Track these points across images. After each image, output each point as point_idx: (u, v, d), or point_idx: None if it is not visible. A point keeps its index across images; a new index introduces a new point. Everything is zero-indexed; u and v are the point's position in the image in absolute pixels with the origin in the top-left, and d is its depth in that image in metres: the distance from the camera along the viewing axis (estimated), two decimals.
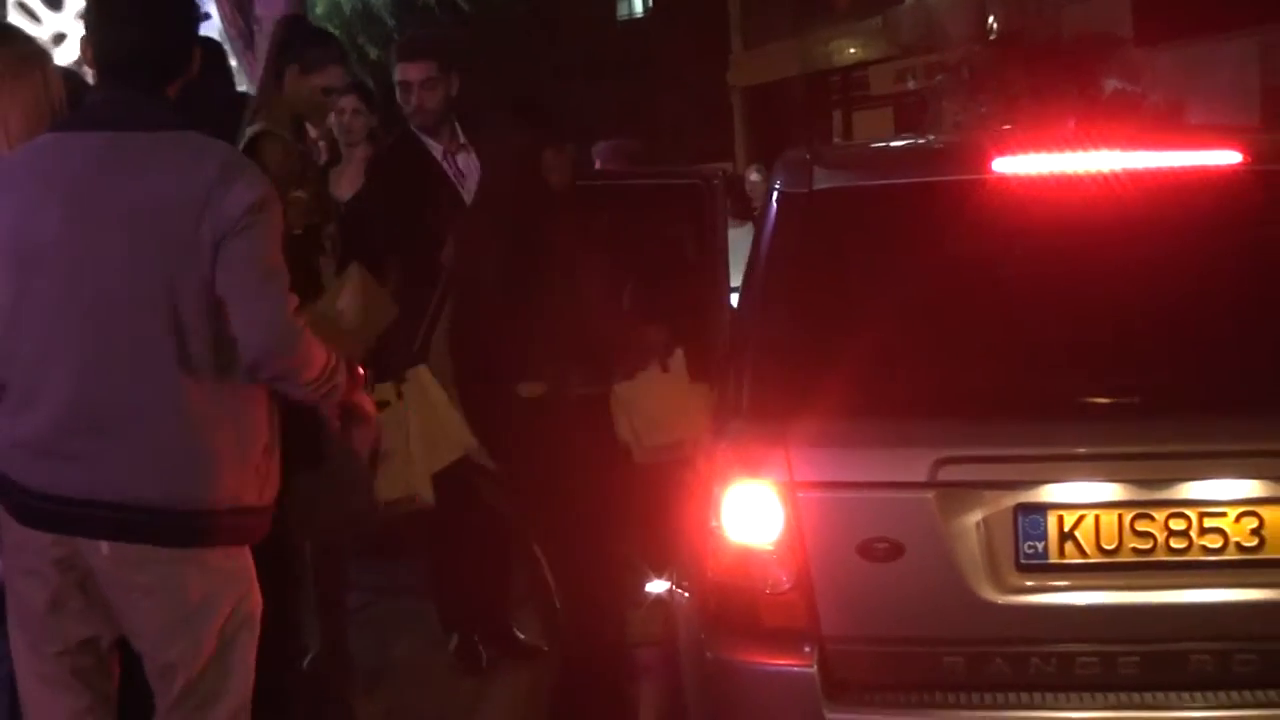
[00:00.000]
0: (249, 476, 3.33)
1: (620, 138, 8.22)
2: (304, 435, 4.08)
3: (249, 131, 4.83)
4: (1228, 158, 3.99)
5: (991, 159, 4.04)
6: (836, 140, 25.86)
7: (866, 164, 4.46)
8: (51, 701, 3.37)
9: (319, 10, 16.31)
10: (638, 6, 46.69)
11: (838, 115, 30.16)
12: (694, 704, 3.97)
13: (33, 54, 3.82)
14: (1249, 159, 3.98)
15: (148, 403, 3.22)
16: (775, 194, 4.24)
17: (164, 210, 3.21)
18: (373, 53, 17.34)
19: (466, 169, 5.84)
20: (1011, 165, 4.03)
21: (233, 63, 10.43)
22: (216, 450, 3.26)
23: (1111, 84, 22.50)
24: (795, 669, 3.67)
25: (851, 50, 30.33)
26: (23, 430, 3.29)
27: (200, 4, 11.98)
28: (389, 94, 6.27)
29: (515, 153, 5.11)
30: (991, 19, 25.68)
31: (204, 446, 3.25)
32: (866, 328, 3.84)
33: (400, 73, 5.85)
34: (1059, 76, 21.80)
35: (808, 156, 4.31)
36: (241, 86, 9.51)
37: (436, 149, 5.84)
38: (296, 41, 5.17)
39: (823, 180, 4.16)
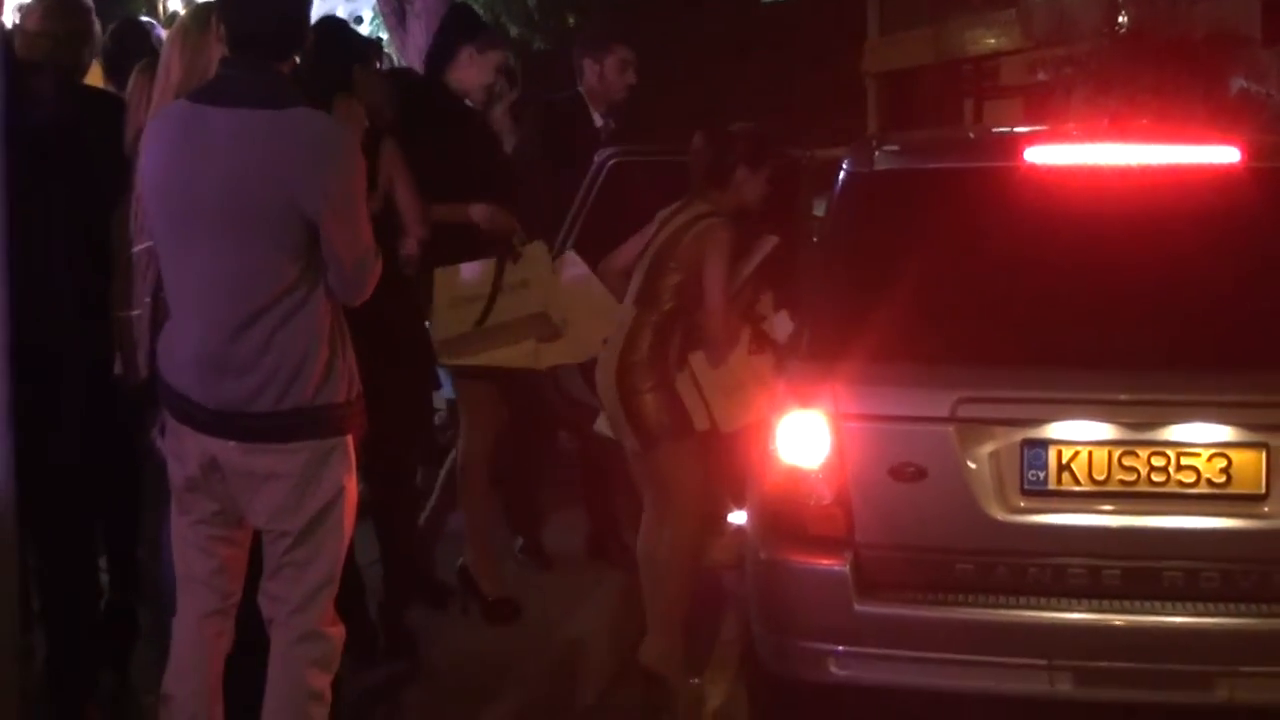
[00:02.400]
0: (332, 378, 3.94)
1: (753, 121, 8.87)
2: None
3: None
4: (1226, 155, 4.64)
5: (1024, 149, 4.73)
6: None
7: (921, 150, 5.15)
8: (191, 559, 4.09)
9: None
10: None
11: (969, 104, 30.54)
12: (752, 599, 4.71)
13: (206, 13, 4.48)
14: (1246, 157, 4.63)
15: (258, 337, 3.85)
16: (843, 173, 4.95)
17: (257, 181, 3.79)
18: (513, 30, 18.08)
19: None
20: (1041, 155, 4.71)
21: (384, 35, 11.30)
22: (306, 360, 3.88)
23: (1238, 83, 22.69)
24: (833, 568, 4.40)
25: (984, 40, 30.63)
26: (168, 340, 4.02)
27: None
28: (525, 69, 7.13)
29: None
30: (1122, 14, 25.90)
31: (297, 358, 3.87)
32: (908, 287, 4.53)
33: (624, 52, 6.84)
34: (1185, 74, 22.05)
35: (874, 142, 5.02)
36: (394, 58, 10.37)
37: (598, 120, 6.73)
38: (470, 25, 5.97)
39: (883, 162, 4.87)
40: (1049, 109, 26.32)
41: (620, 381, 5.27)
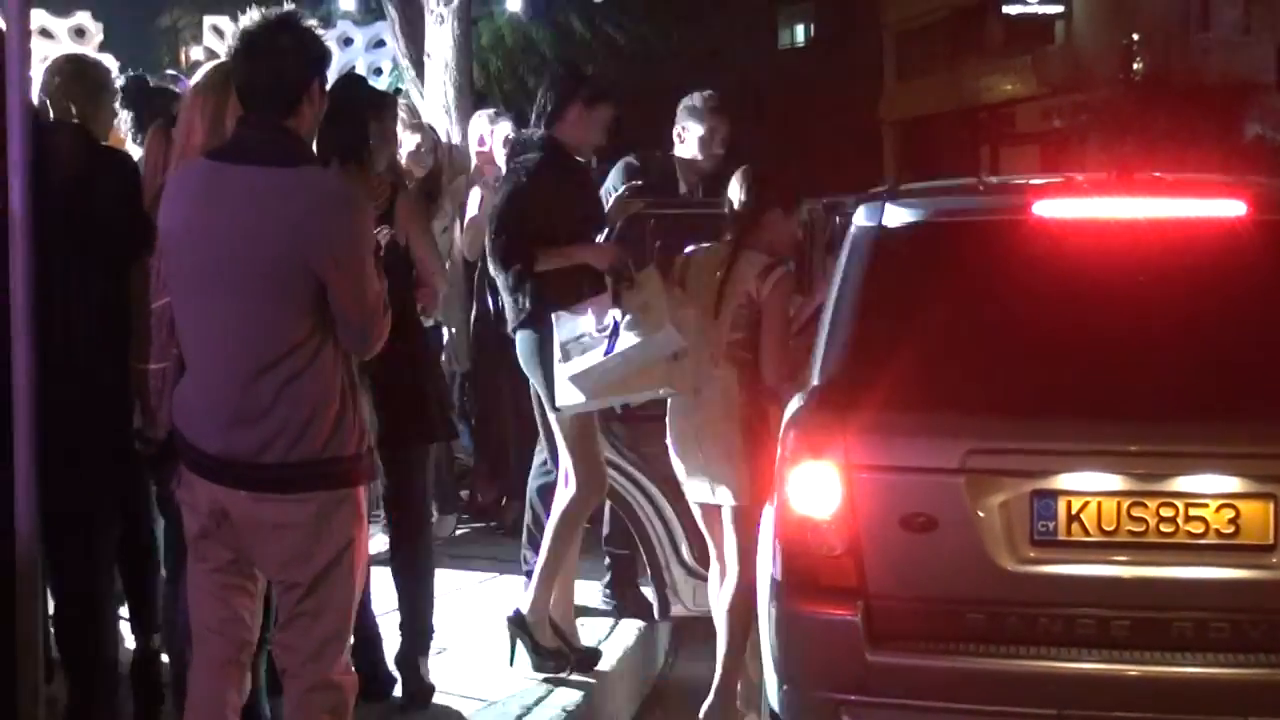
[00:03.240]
0: (342, 431, 4.01)
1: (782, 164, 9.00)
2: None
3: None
4: (1232, 208, 4.69)
5: (1032, 202, 4.79)
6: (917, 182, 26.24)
7: (931, 204, 5.22)
8: (206, 607, 4.16)
9: (484, 41, 17.27)
10: (799, 36, 47.37)
11: (985, 151, 30.71)
12: (769, 650, 4.75)
13: (225, 74, 4.58)
14: (1253, 209, 4.68)
15: (269, 389, 3.93)
16: (854, 226, 5.02)
17: (265, 238, 3.89)
18: (531, 81, 18.29)
19: None
20: (1049, 208, 4.77)
21: (404, 85, 11.46)
22: (316, 413, 3.96)
23: (1253, 128, 22.86)
24: (844, 618, 4.43)
25: (1002, 87, 30.82)
26: (183, 392, 4.11)
27: (379, 33, 12.93)
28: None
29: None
30: (1137, 61, 26.13)
31: (307, 411, 3.95)
32: (917, 339, 4.59)
33: (712, 120, 7.18)
34: (1200, 120, 22.23)
35: (884, 195, 5.09)
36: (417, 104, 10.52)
37: (683, 188, 7.04)
38: (578, 83, 6.13)
39: (893, 216, 4.93)
40: (1065, 155, 26.54)
41: (745, 435, 5.58)
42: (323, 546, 4.05)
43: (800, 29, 45.78)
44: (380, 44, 13.17)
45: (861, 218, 5.01)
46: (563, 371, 5.69)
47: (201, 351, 4.05)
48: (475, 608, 6.93)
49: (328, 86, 4.20)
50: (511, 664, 6.04)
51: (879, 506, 4.47)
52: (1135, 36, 24.60)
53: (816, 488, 4.52)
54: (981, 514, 4.39)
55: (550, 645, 6.05)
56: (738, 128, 7.46)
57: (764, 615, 4.80)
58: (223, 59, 4.64)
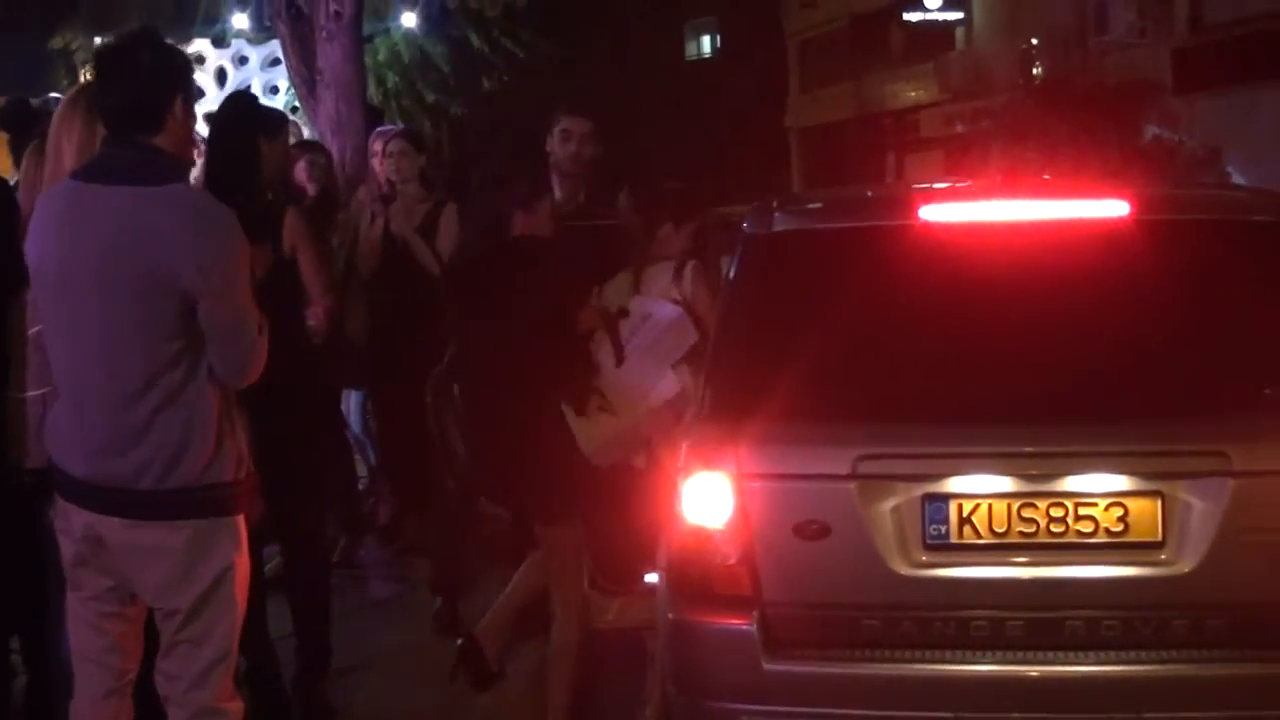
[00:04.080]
0: (220, 458, 3.96)
1: (665, 177, 8.92)
2: None
3: None
4: (1116, 208, 4.72)
5: (918, 207, 4.80)
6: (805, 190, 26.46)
7: (818, 211, 5.22)
8: (84, 637, 4.10)
9: (380, 57, 17.16)
10: (706, 48, 47.50)
11: (890, 157, 30.95)
12: (663, 660, 4.73)
13: (80, 96, 4.48)
14: (1135, 209, 4.71)
15: (140, 415, 3.87)
16: (743, 234, 5.01)
17: (135, 255, 3.81)
18: (429, 97, 18.19)
19: None
20: (934, 213, 4.78)
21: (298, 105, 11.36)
22: (191, 441, 3.91)
23: (1151, 131, 23.14)
24: (739, 627, 4.41)
25: (906, 94, 31.06)
26: (58, 425, 4.05)
27: (274, 51, 12.81)
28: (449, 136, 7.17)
29: (488, 216, 5.53)
30: (1036, 66, 26.40)
31: (180, 436, 3.90)
32: (808, 347, 4.58)
33: (566, 122, 6.91)
34: (1100, 123, 22.47)
35: (773, 203, 5.08)
36: (304, 129, 10.41)
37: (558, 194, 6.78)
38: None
39: (780, 224, 4.92)
40: (968, 160, 26.77)
41: None
42: (200, 571, 3.99)
43: (706, 40, 45.95)
44: (276, 62, 13.06)
45: (750, 226, 5.00)
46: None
47: (73, 377, 3.98)
48: (379, 628, 6.87)
49: (218, 104, 4.16)
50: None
51: (772, 515, 4.45)
52: (1034, 41, 24.87)
53: (709, 498, 4.50)
54: (873, 519, 4.38)
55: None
56: (648, 141, 7.41)
57: (660, 626, 4.77)
58: (86, 80, 4.58)
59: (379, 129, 8.91)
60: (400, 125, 8.93)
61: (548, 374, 5.37)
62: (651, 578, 5.59)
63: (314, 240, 5.74)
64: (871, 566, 4.38)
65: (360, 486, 8.65)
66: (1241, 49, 21.87)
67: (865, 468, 4.39)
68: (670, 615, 4.59)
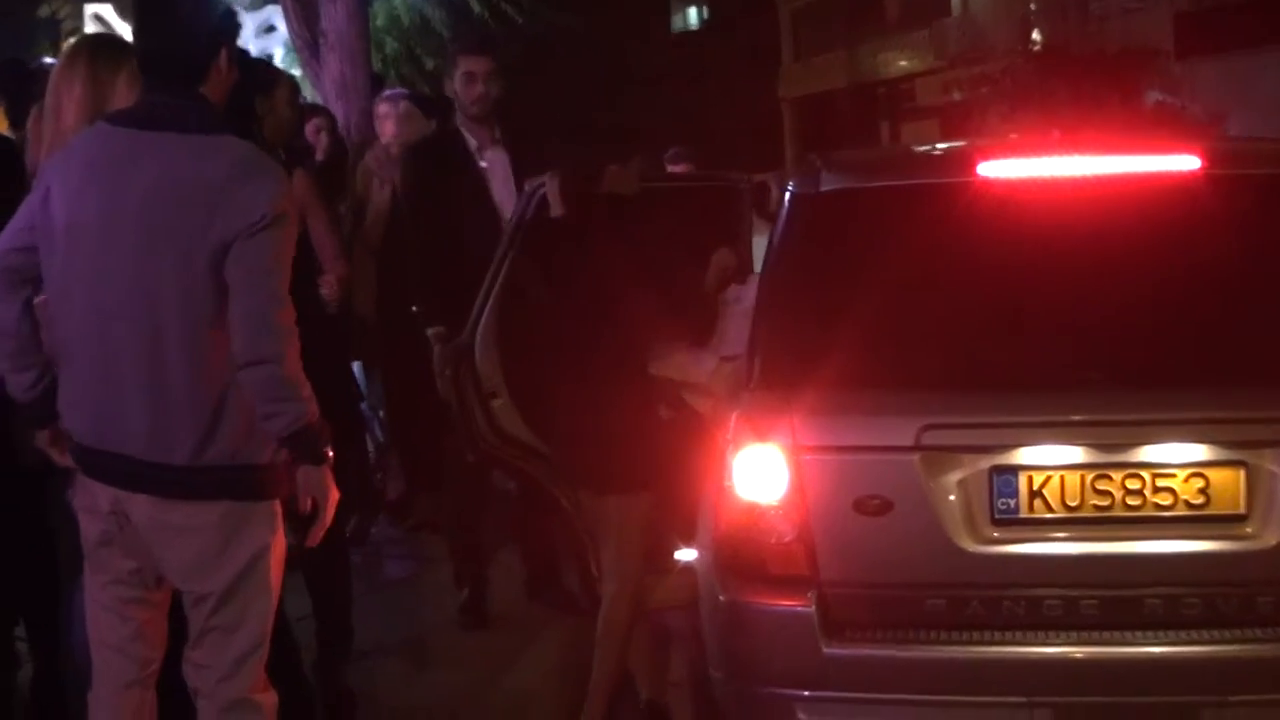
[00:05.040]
0: (255, 438, 3.69)
1: (681, 145, 8.64)
2: None
3: None
4: (1186, 163, 4.47)
5: (977, 163, 4.54)
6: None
7: (868, 168, 4.96)
8: (105, 623, 3.84)
9: (379, 22, 16.86)
10: (692, 19, 47.09)
11: (885, 126, 30.59)
12: (711, 645, 4.47)
13: (91, 48, 4.25)
14: (1206, 164, 4.46)
15: (165, 375, 3.61)
16: (788, 195, 4.75)
17: (180, 204, 3.57)
18: (429, 63, 17.88)
19: (492, 162, 6.46)
20: (994, 169, 4.52)
21: (297, 72, 11.06)
22: (226, 415, 3.64)
23: (1153, 96, 22.82)
24: (797, 609, 4.17)
25: (900, 63, 30.69)
26: (74, 391, 3.76)
27: (268, 18, 12.52)
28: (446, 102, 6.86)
29: (578, 168, 5.30)
30: (1035, 31, 26.03)
31: (216, 412, 3.63)
32: (863, 311, 4.32)
33: (466, 64, 6.47)
34: (1101, 88, 22.14)
35: (818, 162, 4.82)
36: (306, 93, 10.11)
37: (473, 142, 6.41)
38: None
39: (829, 183, 4.66)
40: (966, 128, 26.39)
41: None
42: (234, 553, 3.73)
43: (693, 12, 45.56)
44: (271, 29, 12.76)
45: (797, 185, 4.74)
46: None
47: (99, 341, 3.69)
48: (396, 609, 6.64)
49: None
50: None
51: (830, 490, 4.20)
52: (1032, 7, 24.55)
53: (763, 472, 4.25)
54: (938, 493, 4.14)
55: None
56: (634, 112, 7.07)
57: (706, 610, 4.52)
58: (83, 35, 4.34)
59: (386, 92, 8.63)
60: (404, 90, 8.60)
61: (642, 331, 5.12)
62: (684, 555, 5.41)
63: (325, 203, 5.48)
64: (936, 543, 4.13)
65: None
66: (1243, 13, 21.61)
67: (930, 438, 4.14)
68: (721, 597, 4.33)
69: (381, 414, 8.47)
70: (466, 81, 6.44)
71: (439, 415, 6.45)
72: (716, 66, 35.69)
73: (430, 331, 6.26)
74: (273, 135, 5.26)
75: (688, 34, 44.51)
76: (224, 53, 3.78)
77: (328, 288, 5.41)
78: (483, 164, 6.41)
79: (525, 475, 6.09)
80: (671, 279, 5.24)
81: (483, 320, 5.80)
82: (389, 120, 7.97)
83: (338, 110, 9.59)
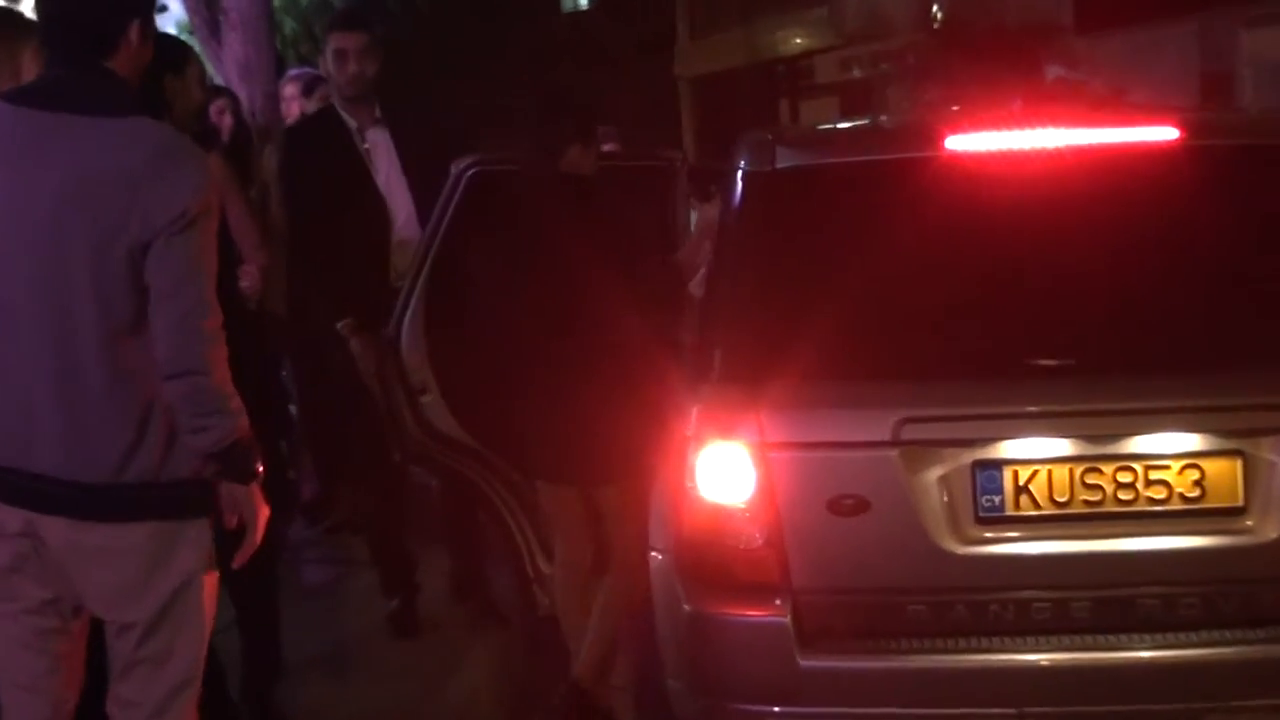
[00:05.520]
0: (180, 450, 3.36)
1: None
2: None
3: None
4: (1165, 134, 4.22)
5: (945, 137, 4.26)
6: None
7: (826, 143, 4.67)
8: (16, 659, 3.46)
9: (277, 2, 16.37)
10: (582, 0, 46.72)
11: (784, 104, 30.35)
12: (671, 656, 4.17)
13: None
14: (1185, 135, 4.21)
15: (80, 385, 3.27)
16: (740, 173, 4.44)
17: (93, 199, 3.22)
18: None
19: (376, 142, 6.07)
20: (964, 143, 4.25)
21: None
22: (150, 427, 3.32)
23: (1054, 71, 22.90)
24: (770, 619, 3.89)
25: (797, 40, 30.49)
26: None
27: None
28: None
29: (540, 147, 5.03)
30: (935, 7, 25.99)
31: (139, 424, 3.31)
32: (830, 297, 4.03)
33: (337, 41, 6.04)
34: (1002, 64, 22.17)
35: (769, 137, 4.52)
36: (209, 74, 9.66)
37: (352, 123, 6.04)
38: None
39: (785, 159, 4.36)
40: (866, 106, 26.40)
41: None
42: (162, 577, 3.38)
43: None
44: (162, 9, 12.23)
45: (749, 163, 4.43)
46: None
47: (2, 346, 3.32)
48: (320, 619, 6.27)
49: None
50: None
51: (802, 489, 3.92)
52: None
53: (728, 471, 3.96)
54: (918, 491, 3.87)
55: None
56: (525, 93, 6.67)
57: (666, 619, 4.21)
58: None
59: (292, 72, 8.22)
60: (312, 69, 8.18)
61: (615, 311, 4.81)
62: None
63: (240, 188, 5.10)
64: (917, 544, 3.87)
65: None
66: None
67: (908, 432, 3.87)
68: (686, 606, 4.03)
69: (292, 408, 8.07)
70: (338, 60, 6.03)
71: (350, 408, 6.15)
72: (609, 46, 35.34)
73: (341, 325, 5.88)
74: (183, 119, 4.87)
75: (578, 13, 44.11)
76: (136, 25, 3.40)
77: (248, 279, 5.04)
78: (365, 146, 6.03)
79: (454, 474, 5.78)
80: (632, 256, 4.95)
81: (409, 311, 5.49)
82: (295, 101, 7.58)
83: (241, 93, 9.15)
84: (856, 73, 27.99)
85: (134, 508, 3.31)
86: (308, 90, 7.37)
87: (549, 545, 5.64)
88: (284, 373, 7.75)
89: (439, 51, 25.89)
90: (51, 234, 3.24)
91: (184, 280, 3.25)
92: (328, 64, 6.08)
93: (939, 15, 23.52)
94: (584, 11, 44.94)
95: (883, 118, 5.64)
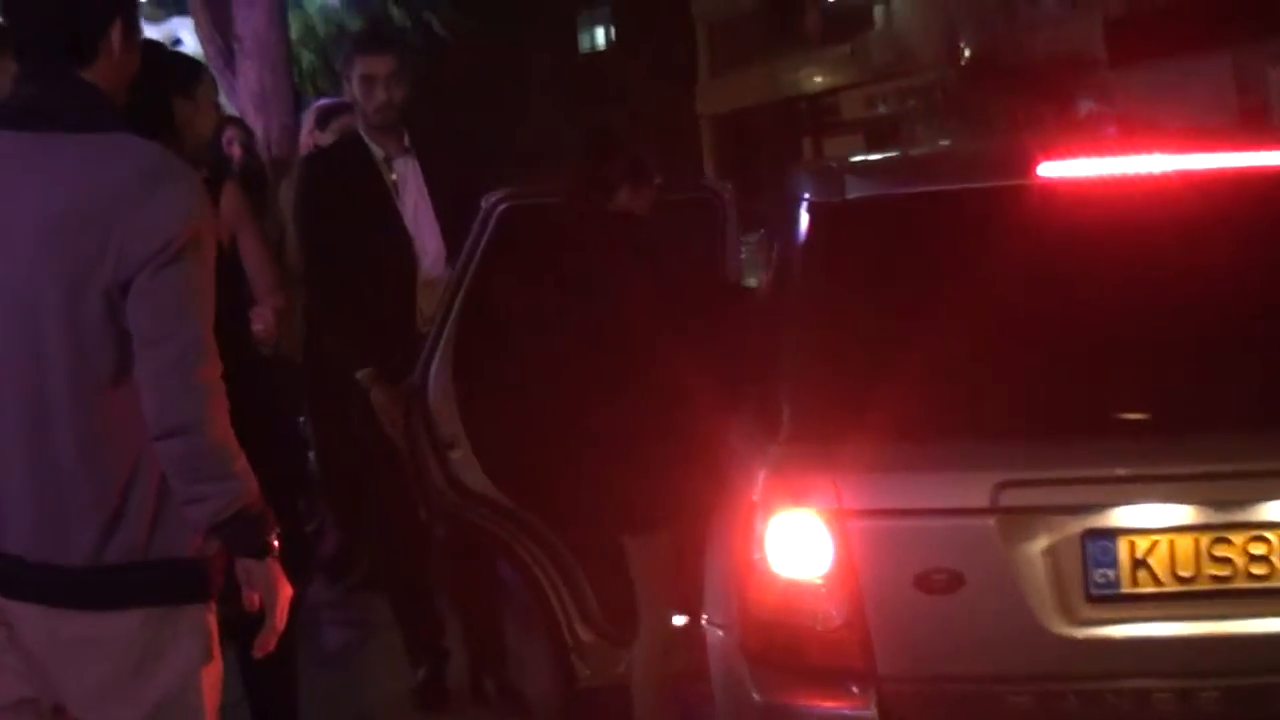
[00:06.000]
0: (172, 523, 2.90)
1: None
2: None
3: None
4: None
5: (1037, 163, 3.81)
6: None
7: (900, 171, 4.23)
8: None
9: (293, 34, 16.03)
10: (600, 40, 46.54)
11: (807, 142, 30.08)
12: None
13: None
14: None
15: (52, 449, 2.83)
16: (804, 205, 3.99)
17: (67, 230, 2.78)
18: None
19: (404, 173, 5.62)
20: (1058, 170, 3.80)
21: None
22: (135, 496, 2.87)
23: (1086, 105, 22.46)
24: (851, 713, 3.43)
25: (818, 79, 30.23)
26: None
27: (173, 31, 11.62)
28: None
29: (590, 187, 4.67)
30: (963, 42, 25.66)
31: (121, 492, 2.86)
32: (911, 343, 3.57)
33: (364, 65, 5.54)
34: (1034, 98, 21.75)
35: (834, 165, 4.09)
36: (222, 103, 9.25)
37: (379, 153, 5.60)
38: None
39: (856, 188, 3.92)
40: (892, 143, 26.11)
41: None
42: (154, 675, 2.90)
43: (600, 32, 45.04)
44: (177, 43, 11.86)
45: (815, 193, 3.99)
46: None
47: None
48: (342, 688, 5.78)
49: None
50: None
51: (885, 563, 3.45)
52: (957, 18, 24.13)
53: (801, 543, 3.49)
54: (1021, 565, 3.40)
55: None
56: (543, 131, 6.22)
57: (730, 709, 3.75)
58: None
59: (317, 102, 7.78)
60: (338, 99, 7.73)
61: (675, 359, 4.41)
62: (679, 620, 4.71)
63: (257, 220, 4.68)
64: (1019, 626, 3.40)
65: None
66: (1175, 20, 21.25)
67: (1008, 498, 3.39)
68: (755, 696, 3.56)
69: (311, 454, 7.61)
70: (365, 86, 5.53)
71: (373, 461, 5.66)
72: (629, 84, 35.21)
73: (360, 375, 5.43)
74: (196, 147, 4.46)
75: (595, 54, 43.98)
76: (118, 28, 2.93)
77: (262, 323, 4.60)
78: (393, 176, 5.58)
79: (485, 534, 5.31)
80: (687, 297, 4.54)
81: (436, 358, 5.04)
82: (311, 135, 7.12)
83: (256, 124, 8.74)
84: (882, 109, 27.75)
85: (117, 593, 2.85)
86: (322, 122, 6.93)
87: (587, 611, 5.19)
88: (301, 419, 7.30)
89: (458, 84, 25.64)
90: (25, 275, 2.79)
91: (171, 322, 2.79)
92: (353, 90, 5.62)
93: (967, 50, 23.12)
94: (601, 53, 44.87)
95: (960, 145, 5.17)
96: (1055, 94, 20.97)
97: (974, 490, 3.41)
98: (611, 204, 4.62)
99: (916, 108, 22.85)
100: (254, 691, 4.65)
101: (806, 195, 4.03)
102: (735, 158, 30.53)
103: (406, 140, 5.61)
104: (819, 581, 3.47)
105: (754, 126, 31.17)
